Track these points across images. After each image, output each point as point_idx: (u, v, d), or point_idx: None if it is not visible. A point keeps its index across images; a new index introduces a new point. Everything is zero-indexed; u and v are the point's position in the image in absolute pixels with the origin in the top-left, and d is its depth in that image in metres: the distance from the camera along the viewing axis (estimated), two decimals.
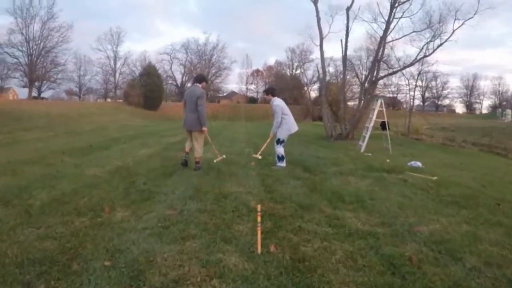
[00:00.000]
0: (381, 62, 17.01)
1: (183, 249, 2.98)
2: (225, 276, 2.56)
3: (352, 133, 16.61)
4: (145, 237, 3.22)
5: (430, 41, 16.33)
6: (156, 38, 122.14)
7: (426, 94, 76.11)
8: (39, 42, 50.45)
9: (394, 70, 17.40)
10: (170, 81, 67.66)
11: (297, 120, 7.88)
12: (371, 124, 11.89)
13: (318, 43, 17.27)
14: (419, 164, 8.71)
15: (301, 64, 70.17)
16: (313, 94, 61.16)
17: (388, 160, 9.20)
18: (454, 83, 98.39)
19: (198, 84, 6.79)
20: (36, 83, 54.07)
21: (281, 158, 7.20)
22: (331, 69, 33.69)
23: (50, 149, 9.43)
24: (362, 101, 16.65)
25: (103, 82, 65.87)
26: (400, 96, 60.72)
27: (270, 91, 7.60)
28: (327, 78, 18.60)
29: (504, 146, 17.71)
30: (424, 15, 17.53)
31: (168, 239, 3.19)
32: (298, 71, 70.90)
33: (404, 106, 55.90)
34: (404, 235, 3.58)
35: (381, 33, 16.31)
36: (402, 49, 63.22)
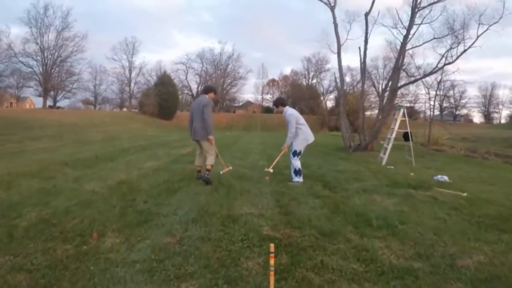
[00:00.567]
0: (401, 71, 16.29)
1: None
2: None
3: (371, 144, 15.86)
4: (133, 275, 2.65)
5: (452, 47, 15.54)
6: (173, 49, 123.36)
7: (444, 104, 74.49)
8: (54, 51, 51.22)
9: (416, 78, 16.59)
10: (185, 91, 67.74)
11: (313, 130, 7.24)
12: (393, 135, 11.16)
13: (335, 50, 16.76)
14: (446, 178, 8.01)
15: (317, 73, 69.70)
16: (329, 104, 60.54)
17: (412, 174, 8.51)
18: (472, 92, 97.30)
19: (205, 95, 6.53)
20: (52, 93, 54.62)
21: (298, 172, 6.58)
22: (347, 79, 33.13)
23: (54, 160, 9.03)
24: (383, 111, 15.89)
25: (119, 91, 66.55)
26: (417, 106, 59.61)
27: (280, 102, 7.05)
28: (344, 87, 17.89)
29: None
30: (444, 21, 16.67)
31: (160, 278, 2.61)
32: (314, 81, 70.42)
33: (421, 116, 54.77)
34: (446, 271, 2.96)
35: (401, 39, 15.59)
36: (422, 57, 62.23)
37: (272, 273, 2.31)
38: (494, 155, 19.00)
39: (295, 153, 6.62)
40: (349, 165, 10.05)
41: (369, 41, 16.03)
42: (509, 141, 24.84)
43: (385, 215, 4.48)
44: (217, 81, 65.99)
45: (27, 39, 49.27)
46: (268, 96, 78.13)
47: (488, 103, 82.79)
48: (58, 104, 57.64)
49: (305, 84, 71.06)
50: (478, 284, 2.73)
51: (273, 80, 77.81)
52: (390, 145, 11.11)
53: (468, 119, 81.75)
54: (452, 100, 76.40)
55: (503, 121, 78.56)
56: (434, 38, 16.36)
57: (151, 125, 37.21)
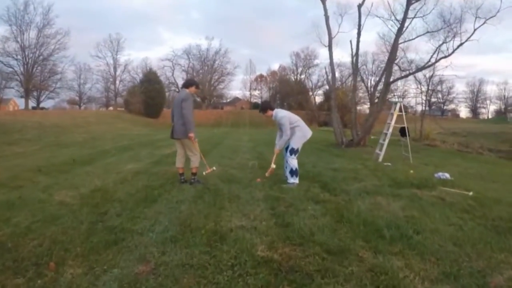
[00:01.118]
0: (394, 65, 15.85)
1: None
2: None
3: (364, 139, 15.36)
4: None
5: (445, 42, 15.14)
6: (160, 46, 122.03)
7: (432, 99, 74.97)
8: (35, 50, 48.96)
9: (411, 72, 16.15)
10: (172, 88, 66.33)
11: None
12: (390, 130, 10.62)
13: (326, 43, 16.19)
14: (447, 175, 7.54)
15: (305, 69, 69.14)
16: (318, 99, 60.22)
17: (411, 171, 7.99)
18: (460, 88, 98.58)
19: (185, 89, 5.92)
20: (35, 93, 52.82)
21: (294, 172, 5.96)
22: (336, 74, 32.53)
23: (27, 166, 8.24)
24: (376, 106, 15.40)
25: (104, 90, 64.94)
26: (405, 101, 59.57)
27: (267, 107, 6.30)
28: (331, 83, 17.34)
29: None
30: (438, 14, 16.28)
31: None
32: (302, 76, 69.81)
33: (409, 111, 54.69)
34: None
35: (395, 31, 15.10)
36: (415, 51, 61.93)
37: None
38: (487, 150, 18.79)
39: (292, 151, 6.01)
40: (345, 162, 9.50)
41: (360, 35, 15.57)
42: (500, 136, 24.79)
43: (396, 223, 3.90)
44: (204, 77, 65.16)
45: (7, 38, 47.09)
46: (256, 92, 77.63)
47: (476, 98, 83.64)
48: (42, 105, 55.73)
49: (293, 79, 70.43)
50: None
51: (261, 76, 77.18)
52: (387, 141, 10.58)
53: (455, 114, 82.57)
54: (440, 95, 77.00)
55: (490, 116, 79.57)
56: (428, 32, 16.04)
57: (137, 123, 36.24)
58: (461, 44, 14.24)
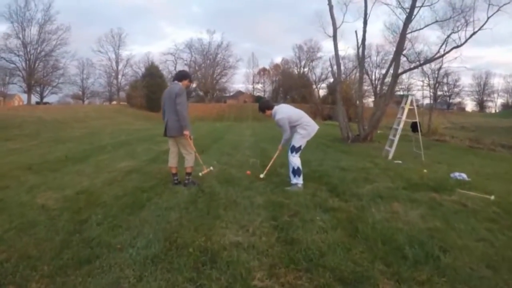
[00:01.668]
0: (402, 56, 15.18)
1: None
2: None
3: (371, 134, 14.75)
4: None
5: (454, 31, 14.45)
6: (162, 41, 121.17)
7: (438, 92, 73.95)
8: (37, 46, 49.38)
9: (420, 63, 15.46)
10: None
11: None
12: (401, 126, 10.02)
13: (330, 33, 15.53)
14: (464, 176, 6.95)
15: (308, 62, 68.17)
16: (322, 92, 59.37)
17: (425, 171, 7.40)
18: (466, 81, 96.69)
19: (177, 82, 5.35)
20: (38, 88, 52.93)
21: (296, 172, 5.40)
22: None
23: (19, 163, 7.77)
24: (384, 99, 14.77)
25: (107, 84, 64.76)
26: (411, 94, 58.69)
27: (265, 106, 5.77)
28: (336, 75, 16.70)
29: None
30: (448, 3, 15.52)
31: None
32: (306, 69, 68.94)
33: (415, 105, 53.87)
34: None
35: (403, 19, 14.44)
36: (422, 43, 60.68)
37: None
38: (500, 146, 18.09)
39: (293, 149, 5.46)
40: (353, 159, 8.92)
41: (367, 23, 14.92)
42: (510, 131, 24.00)
43: (419, 238, 3.34)
44: (207, 70, 64.64)
45: (9, 35, 47.40)
46: (259, 86, 76.91)
47: (482, 91, 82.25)
48: (46, 100, 55.63)
49: (296, 72, 69.61)
50: None
51: (263, 69, 76.37)
52: (397, 136, 9.98)
53: (460, 108, 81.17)
54: (445, 88, 75.93)
55: (497, 110, 78.31)
56: (437, 21, 15.33)
57: (139, 118, 35.76)
58: (474, 33, 13.48)
